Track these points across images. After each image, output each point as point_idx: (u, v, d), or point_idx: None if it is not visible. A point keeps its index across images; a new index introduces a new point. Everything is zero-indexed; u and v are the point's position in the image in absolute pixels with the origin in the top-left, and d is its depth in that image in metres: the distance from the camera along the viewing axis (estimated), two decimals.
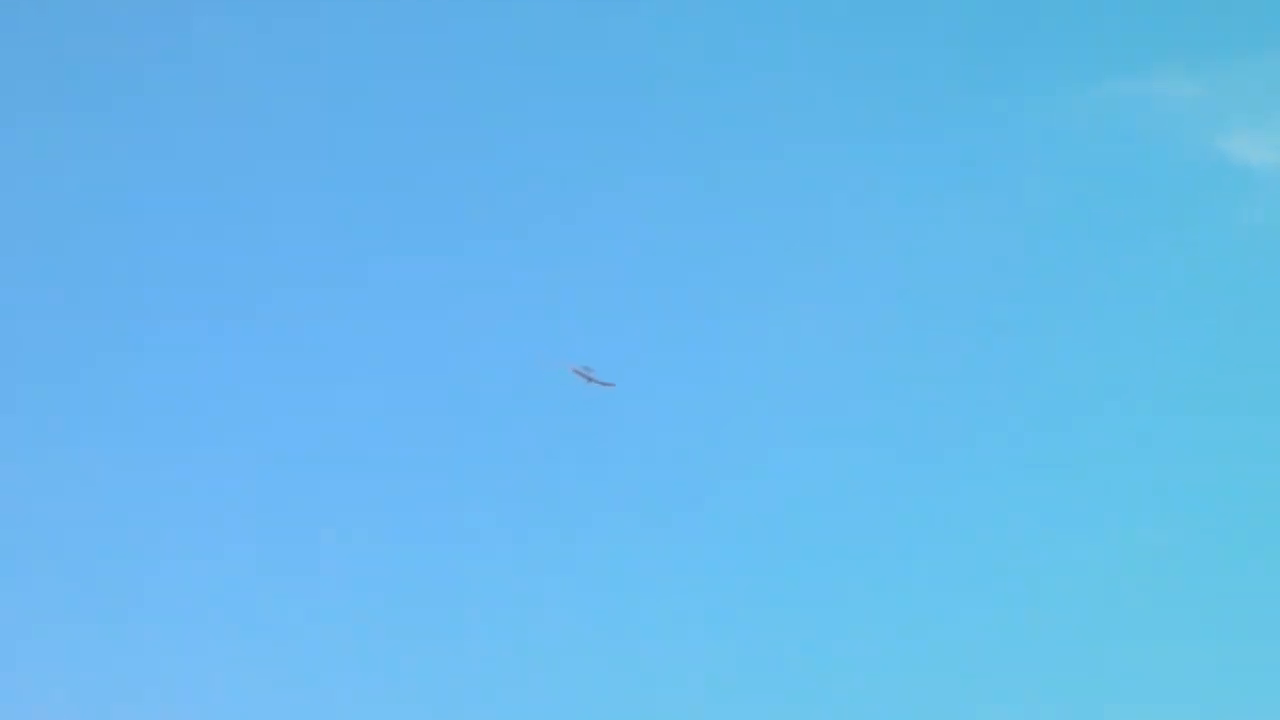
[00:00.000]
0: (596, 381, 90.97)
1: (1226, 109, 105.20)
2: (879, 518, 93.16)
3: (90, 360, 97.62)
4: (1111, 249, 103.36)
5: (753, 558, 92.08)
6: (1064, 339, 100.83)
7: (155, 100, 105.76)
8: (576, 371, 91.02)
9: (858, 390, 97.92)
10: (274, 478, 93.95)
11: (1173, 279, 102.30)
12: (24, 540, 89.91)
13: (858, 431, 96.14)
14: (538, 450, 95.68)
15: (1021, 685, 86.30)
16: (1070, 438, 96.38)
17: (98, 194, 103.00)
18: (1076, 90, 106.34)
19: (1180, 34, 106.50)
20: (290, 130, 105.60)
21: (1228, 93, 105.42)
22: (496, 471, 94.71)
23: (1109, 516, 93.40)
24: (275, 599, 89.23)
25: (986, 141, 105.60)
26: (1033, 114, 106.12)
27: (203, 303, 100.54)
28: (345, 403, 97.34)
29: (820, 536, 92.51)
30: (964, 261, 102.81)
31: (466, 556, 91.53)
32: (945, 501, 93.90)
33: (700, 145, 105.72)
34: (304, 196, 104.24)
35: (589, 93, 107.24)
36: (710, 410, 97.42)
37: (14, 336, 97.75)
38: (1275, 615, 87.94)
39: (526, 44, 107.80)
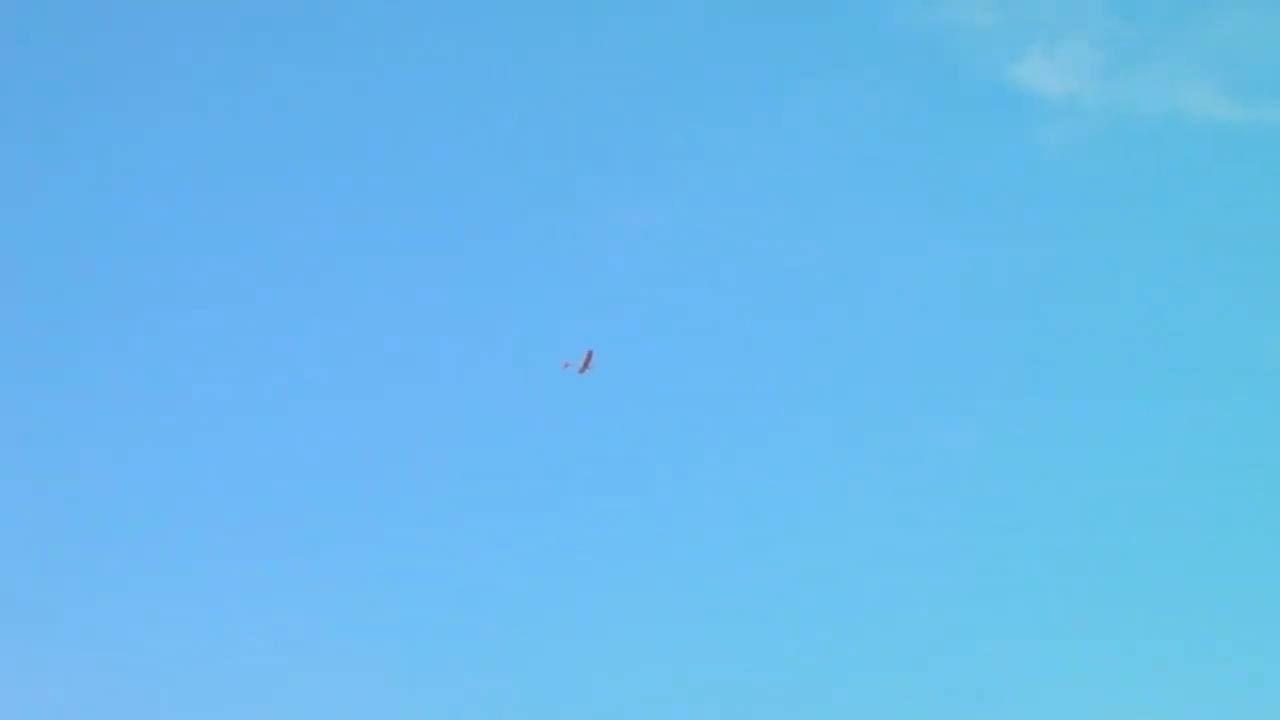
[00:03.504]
0: (578, 365, 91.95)
1: (1020, 37, 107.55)
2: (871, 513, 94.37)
3: (93, 360, 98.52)
4: (911, 171, 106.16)
5: (744, 550, 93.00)
6: (872, 262, 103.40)
7: (151, 99, 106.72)
8: (571, 365, 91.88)
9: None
10: (272, 474, 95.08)
11: (971, 202, 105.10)
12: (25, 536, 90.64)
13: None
14: (532, 448, 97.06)
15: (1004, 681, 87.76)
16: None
17: (96, 194, 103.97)
18: (871, 19, 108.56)
19: None
20: (288, 130, 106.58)
21: (1021, 21, 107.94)
22: (490, 469, 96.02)
23: None
24: (275, 597, 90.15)
25: (794, 66, 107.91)
26: (832, 40, 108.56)
27: (198, 301, 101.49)
28: (342, 401, 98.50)
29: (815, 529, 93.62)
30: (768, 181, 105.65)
31: (460, 553, 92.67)
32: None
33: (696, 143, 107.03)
34: (299, 196, 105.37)
35: (584, 93, 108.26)
36: (702, 403, 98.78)
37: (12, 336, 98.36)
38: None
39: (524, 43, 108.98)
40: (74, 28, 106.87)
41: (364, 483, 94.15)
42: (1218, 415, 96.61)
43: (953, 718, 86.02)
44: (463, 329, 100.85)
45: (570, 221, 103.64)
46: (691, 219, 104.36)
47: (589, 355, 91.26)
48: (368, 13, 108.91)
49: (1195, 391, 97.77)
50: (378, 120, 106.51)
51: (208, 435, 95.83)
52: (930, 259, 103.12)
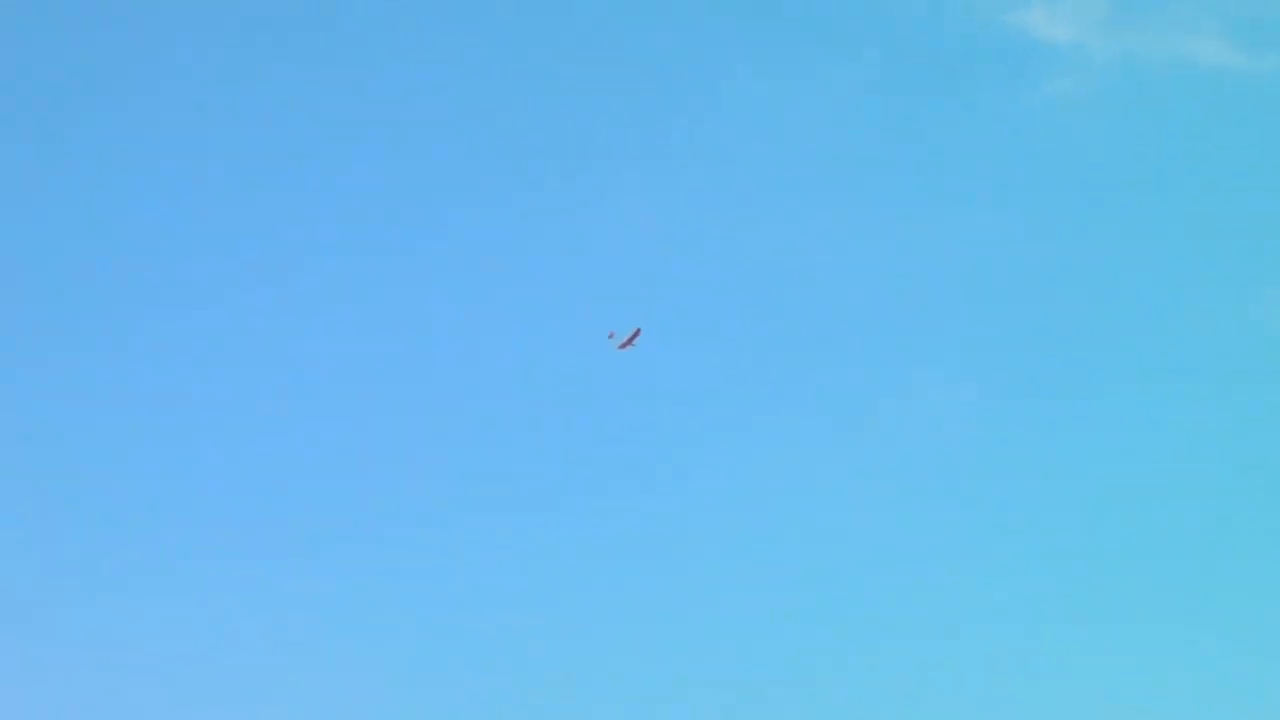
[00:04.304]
0: (623, 338, 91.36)
1: None
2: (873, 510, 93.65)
3: (94, 359, 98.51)
4: (916, 121, 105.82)
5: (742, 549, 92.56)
6: (878, 217, 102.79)
7: (150, 99, 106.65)
8: (617, 338, 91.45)
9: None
10: (272, 474, 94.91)
11: (977, 150, 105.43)
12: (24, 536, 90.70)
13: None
14: (531, 446, 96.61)
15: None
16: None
17: (96, 194, 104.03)
18: None
19: None
20: (287, 124, 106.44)
21: None
22: (490, 468, 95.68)
23: None
24: (275, 597, 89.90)
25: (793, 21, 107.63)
26: None
27: (197, 301, 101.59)
28: (341, 400, 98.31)
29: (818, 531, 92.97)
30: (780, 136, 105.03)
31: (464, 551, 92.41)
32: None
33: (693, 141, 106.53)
34: (297, 191, 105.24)
35: (578, 86, 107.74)
36: (702, 393, 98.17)
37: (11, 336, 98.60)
38: None
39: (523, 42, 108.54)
40: (74, 28, 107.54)
41: (364, 483, 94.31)
42: (1225, 372, 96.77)
43: (957, 703, 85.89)
44: (460, 327, 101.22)
45: (564, 217, 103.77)
46: (690, 197, 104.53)
47: (636, 333, 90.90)
48: (365, 10, 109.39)
49: (1201, 347, 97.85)
50: (371, 116, 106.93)
51: (207, 435, 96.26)
52: (935, 211, 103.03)
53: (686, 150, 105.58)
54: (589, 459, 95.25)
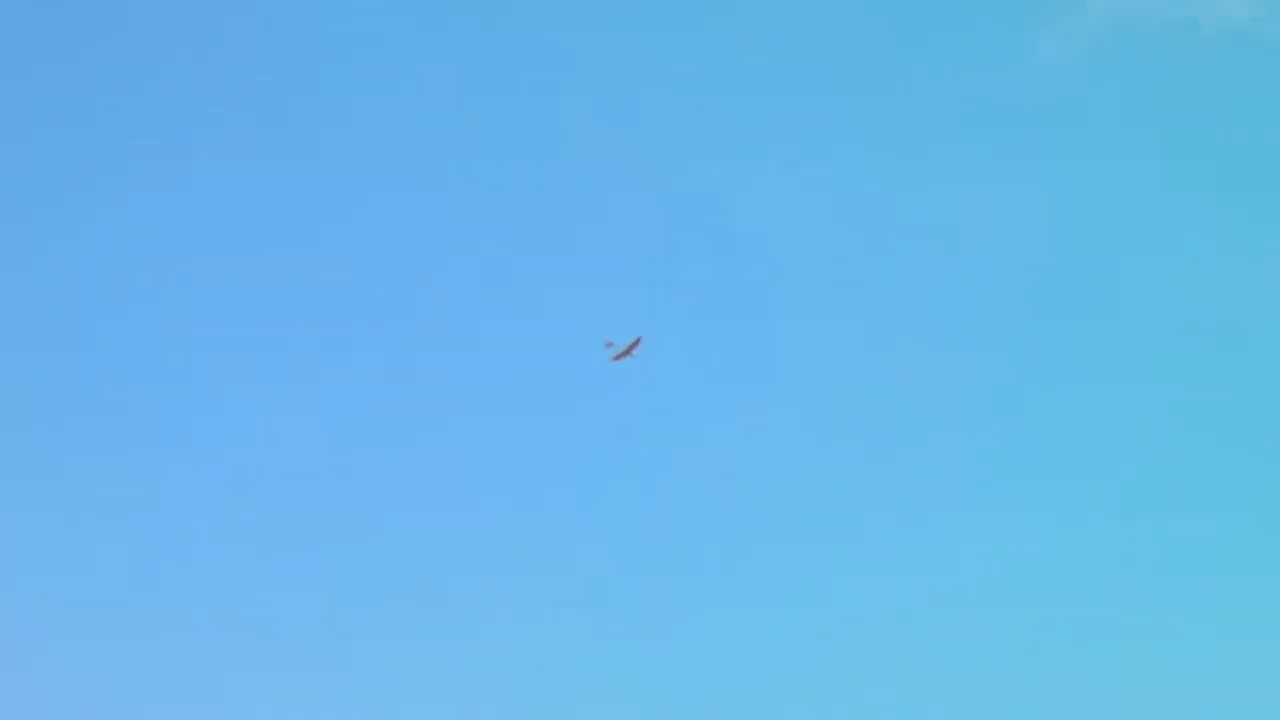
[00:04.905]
0: (622, 348, 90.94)
1: None
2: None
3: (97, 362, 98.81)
4: (908, 77, 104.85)
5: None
6: (867, 175, 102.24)
7: (156, 98, 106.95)
8: (614, 347, 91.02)
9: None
10: (272, 474, 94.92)
11: (974, 106, 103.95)
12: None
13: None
14: (528, 444, 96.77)
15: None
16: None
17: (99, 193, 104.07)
18: None
19: None
20: (292, 130, 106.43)
21: None
22: (494, 468, 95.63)
23: None
24: (273, 602, 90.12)
25: None
26: None
27: (198, 299, 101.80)
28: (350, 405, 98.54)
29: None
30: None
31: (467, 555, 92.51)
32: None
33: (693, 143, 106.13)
34: (300, 197, 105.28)
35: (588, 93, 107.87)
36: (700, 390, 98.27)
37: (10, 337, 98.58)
38: None
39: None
40: (71, 28, 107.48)
41: (361, 484, 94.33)
42: (1232, 339, 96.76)
43: (956, 699, 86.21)
44: (461, 325, 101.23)
45: (558, 216, 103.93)
46: (676, 145, 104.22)
47: (635, 342, 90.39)
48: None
49: (1203, 320, 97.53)
50: (373, 114, 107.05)
51: (207, 435, 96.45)
52: (928, 171, 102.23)
53: (670, 100, 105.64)
54: (581, 458, 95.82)
